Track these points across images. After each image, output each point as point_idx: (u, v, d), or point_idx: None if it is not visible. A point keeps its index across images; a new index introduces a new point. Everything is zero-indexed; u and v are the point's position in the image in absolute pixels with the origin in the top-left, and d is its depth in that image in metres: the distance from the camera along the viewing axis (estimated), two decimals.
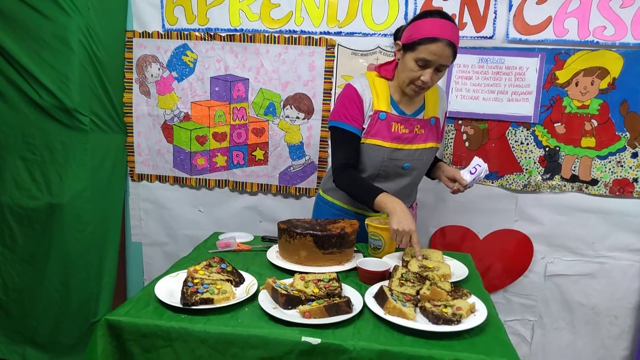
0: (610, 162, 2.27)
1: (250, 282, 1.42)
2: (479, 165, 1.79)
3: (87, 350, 1.24)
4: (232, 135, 2.47)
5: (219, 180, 2.55)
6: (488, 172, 1.80)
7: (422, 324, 1.23)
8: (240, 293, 1.36)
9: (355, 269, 1.54)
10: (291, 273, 1.51)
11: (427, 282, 1.40)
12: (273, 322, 1.24)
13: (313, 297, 1.32)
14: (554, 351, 2.47)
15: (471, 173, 1.80)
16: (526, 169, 2.33)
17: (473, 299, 1.36)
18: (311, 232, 1.52)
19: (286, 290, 1.32)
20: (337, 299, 1.29)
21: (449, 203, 2.43)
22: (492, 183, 2.37)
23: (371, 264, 1.55)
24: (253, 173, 2.50)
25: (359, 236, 1.66)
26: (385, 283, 1.43)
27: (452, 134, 2.36)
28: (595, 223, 2.33)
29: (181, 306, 1.26)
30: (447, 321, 1.22)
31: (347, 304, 1.26)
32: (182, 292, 1.29)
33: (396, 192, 1.75)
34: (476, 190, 2.37)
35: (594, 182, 2.30)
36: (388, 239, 1.69)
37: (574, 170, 2.30)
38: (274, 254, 1.64)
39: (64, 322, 2.45)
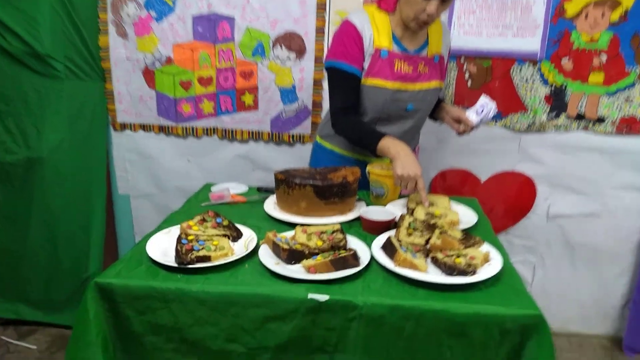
0: (618, 99, 2.17)
1: (249, 237, 1.33)
2: (486, 104, 1.67)
3: (78, 315, 1.16)
4: (218, 79, 2.31)
5: (206, 128, 2.41)
6: (494, 108, 1.68)
7: (435, 275, 1.15)
8: (239, 249, 1.27)
9: (359, 218, 1.45)
10: (291, 225, 1.41)
11: (437, 231, 1.32)
12: (276, 278, 1.15)
13: (317, 251, 1.23)
14: (555, 291, 2.46)
15: (478, 113, 1.69)
16: (531, 108, 2.22)
17: (486, 247, 1.28)
18: (311, 182, 1.42)
19: (288, 244, 1.23)
20: (343, 251, 1.20)
21: (449, 146, 2.33)
22: (495, 123, 2.26)
23: (375, 213, 1.46)
24: (243, 119, 2.36)
25: (360, 184, 1.56)
26: (392, 233, 1.35)
27: (454, 72, 2.22)
28: (600, 162, 2.26)
29: (176, 265, 1.17)
30: (462, 272, 1.14)
31: (354, 257, 1.18)
32: (177, 251, 1.20)
33: (399, 135, 1.64)
34: (478, 132, 2.25)
35: (600, 120, 2.20)
36: (391, 186, 1.60)
37: (581, 109, 2.20)
38: (271, 206, 1.55)
39: (54, 280, 2.37)
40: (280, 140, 2.39)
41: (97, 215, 2.43)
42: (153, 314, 1.14)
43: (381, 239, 1.32)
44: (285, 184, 1.45)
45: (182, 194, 2.54)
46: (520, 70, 2.19)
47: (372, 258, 1.23)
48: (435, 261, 1.20)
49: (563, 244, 2.40)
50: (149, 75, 2.34)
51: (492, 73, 2.21)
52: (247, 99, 2.33)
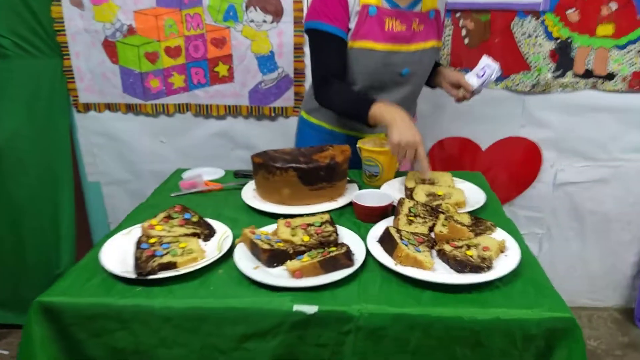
0: (629, 52, 1.96)
1: (222, 234, 1.13)
2: (488, 65, 1.47)
3: (22, 340, 0.97)
4: (187, 49, 2.07)
5: (178, 104, 2.18)
6: (497, 69, 1.47)
7: (443, 273, 0.97)
8: (212, 250, 1.08)
9: (351, 204, 1.26)
10: (273, 217, 1.22)
11: (441, 216, 1.14)
12: (255, 287, 0.97)
13: (303, 248, 1.04)
14: (563, 262, 2.31)
15: (478, 76, 1.48)
16: (535, 67, 2.01)
17: (500, 234, 1.10)
18: (294, 165, 1.22)
19: (269, 243, 1.04)
20: (334, 248, 1.02)
21: (446, 112, 2.12)
22: (497, 85, 2.05)
23: (369, 197, 1.27)
24: (218, 93, 2.14)
25: (351, 162, 1.36)
26: (390, 221, 1.16)
27: (450, 29, 2.00)
28: (609, 123, 2.07)
29: (135, 277, 0.97)
30: (475, 268, 0.96)
31: (347, 256, 0.99)
32: (135, 258, 1.00)
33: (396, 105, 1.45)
34: (477, 95, 2.06)
35: (610, 76, 2.00)
36: (386, 164, 1.41)
37: (589, 65, 2.00)
38: (250, 194, 1.35)
39: (23, 278, 2.19)
40: (261, 115, 2.17)
41: (65, 205, 2.22)
42: (110, 336, 0.95)
43: (378, 228, 1.13)
44: (264, 168, 1.24)
45: (157, 178, 2.29)
46: (522, 24, 1.97)
47: (368, 254, 1.05)
48: (442, 255, 1.02)
49: (571, 212, 2.23)
50: (110, 48, 2.10)
51: (490, 28, 1.99)
52: (221, 69, 2.10)
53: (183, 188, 1.43)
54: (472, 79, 1.50)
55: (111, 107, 2.21)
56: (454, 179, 1.42)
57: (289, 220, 1.12)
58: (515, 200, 2.24)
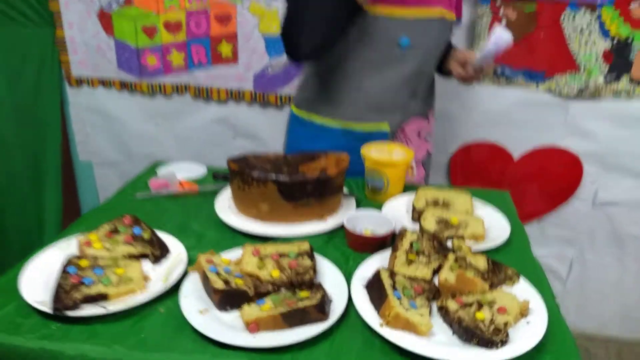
0: None
1: (176, 258, 0.92)
2: (499, 36, 1.19)
3: None
4: (188, 24, 1.85)
5: (177, 84, 1.97)
6: (509, 42, 1.19)
7: (441, 346, 0.74)
8: (158, 279, 0.87)
9: (343, 227, 1.03)
10: (247, 236, 1.01)
11: (451, 257, 0.90)
12: (199, 338, 0.76)
13: (270, 287, 0.83)
14: (595, 289, 2.04)
15: (487, 49, 1.22)
16: (585, 68, 1.72)
17: (524, 288, 0.86)
18: (274, 177, 0.99)
19: (225, 280, 0.82)
20: (305, 293, 0.80)
21: (476, 114, 1.86)
22: (537, 86, 1.77)
23: (367, 219, 1.04)
24: (220, 75, 1.92)
25: (352, 167, 1.12)
26: (386, 256, 0.93)
27: (487, 19, 1.72)
28: None
29: (52, 312, 0.77)
30: (485, 341, 0.72)
31: (320, 308, 0.77)
32: (57, 286, 0.80)
33: (398, 88, 1.22)
34: (513, 97, 1.80)
35: None
36: (393, 178, 1.17)
37: None
38: (225, 203, 1.13)
39: (3, 263, 2.04)
40: (266, 102, 1.95)
41: (51, 188, 2.07)
42: None
43: (368, 266, 0.90)
44: (240, 177, 1.02)
45: (149, 161, 2.14)
46: (574, 17, 1.67)
47: (350, 302, 0.82)
48: (444, 313, 0.79)
49: (610, 235, 1.95)
50: (105, 20, 1.90)
51: (536, 21, 1.70)
52: (225, 49, 1.87)
53: (152, 188, 1.23)
54: (478, 52, 1.24)
55: (105, 83, 2.02)
56: (474, 200, 1.17)
57: (258, 247, 0.90)
58: (547, 217, 1.97)
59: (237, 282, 0.82)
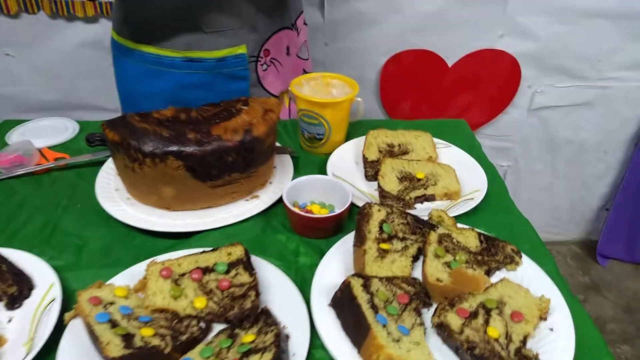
0: None
1: (45, 295, 0.62)
2: None
3: None
4: None
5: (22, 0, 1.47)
6: None
7: None
8: (18, 334, 0.57)
9: (282, 201, 0.76)
10: (151, 233, 0.72)
11: (433, 238, 0.68)
12: None
13: (195, 329, 0.56)
14: (527, 196, 1.99)
15: None
16: None
17: (529, 273, 0.66)
18: (176, 149, 0.68)
19: (124, 331, 0.54)
20: (250, 337, 0.55)
21: (405, 17, 1.58)
22: None
23: (312, 187, 0.78)
24: None
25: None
26: (348, 243, 0.69)
27: None
28: (607, 34, 1.62)
29: None
30: None
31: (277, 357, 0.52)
32: None
33: None
34: None
35: None
36: (335, 120, 0.90)
37: None
38: (112, 184, 0.81)
39: None
40: None
41: None
42: None
43: (328, 268, 0.66)
44: (125, 152, 0.70)
45: (10, 104, 1.68)
46: None
47: (313, 333, 0.58)
48: (446, 334, 0.57)
49: (544, 142, 1.87)
50: None
51: None
52: None
53: (1, 167, 0.86)
54: None
55: None
56: (424, 133, 0.94)
57: (167, 265, 0.62)
58: (482, 129, 1.83)
59: (144, 334, 0.54)
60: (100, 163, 0.86)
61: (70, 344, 0.55)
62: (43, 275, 0.63)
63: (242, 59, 0.94)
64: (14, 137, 0.95)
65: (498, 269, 0.67)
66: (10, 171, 0.85)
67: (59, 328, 0.57)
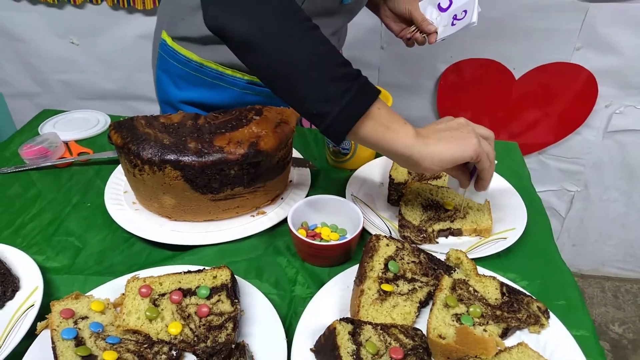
0: None
1: (23, 300, 0.60)
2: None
3: None
4: None
5: None
6: (479, 11, 0.84)
7: None
8: None
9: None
10: (151, 243, 0.69)
11: (446, 283, 0.59)
12: None
13: (166, 351, 0.52)
14: (596, 225, 1.80)
15: (442, 9, 0.87)
16: None
17: (557, 339, 0.56)
18: (174, 157, 0.64)
19: (87, 348, 0.51)
20: None
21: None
22: None
23: (324, 208, 0.71)
24: None
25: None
26: (351, 277, 0.62)
27: None
28: None
29: None
30: None
31: None
32: None
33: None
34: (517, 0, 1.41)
35: None
36: None
37: None
38: (122, 185, 0.79)
39: None
40: None
41: None
42: None
43: (320, 306, 0.59)
44: (125, 157, 0.67)
45: (71, 91, 1.75)
46: None
47: None
48: None
49: (620, 168, 1.67)
50: None
51: None
52: None
53: (25, 157, 0.87)
54: (432, 11, 0.87)
55: None
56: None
57: (148, 283, 0.58)
58: (549, 148, 1.67)
59: (106, 359, 0.51)
60: (119, 162, 0.84)
61: (35, 356, 0.53)
62: (30, 278, 0.62)
63: None
64: (46, 128, 0.96)
65: (519, 328, 0.57)
66: (34, 162, 0.86)
67: (33, 336, 0.55)
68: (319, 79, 0.55)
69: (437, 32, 0.86)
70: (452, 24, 0.84)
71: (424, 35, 0.87)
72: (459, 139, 0.60)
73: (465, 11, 0.82)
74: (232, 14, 0.56)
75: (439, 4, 0.85)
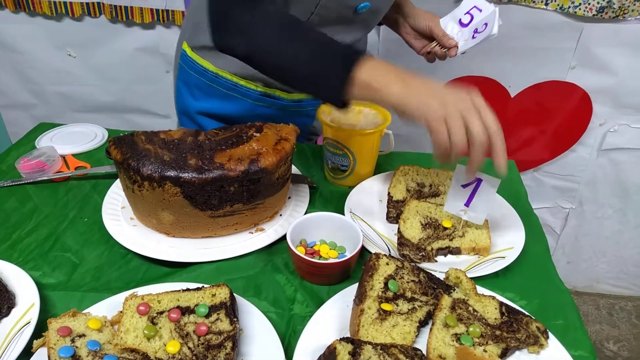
0: None
1: (19, 317, 0.59)
2: (477, 8, 0.85)
3: None
4: None
5: (86, 3, 1.52)
6: (499, 23, 0.85)
7: None
8: None
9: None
10: (147, 259, 0.68)
11: (445, 303, 0.59)
12: None
13: None
14: (590, 242, 1.81)
15: (462, 24, 0.87)
16: None
17: (557, 355, 0.56)
18: (174, 174, 0.64)
19: None
20: None
21: None
22: (546, 5, 1.39)
23: (323, 226, 0.71)
24: None
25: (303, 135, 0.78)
26: (350, 296, 0.62)
27: None
28: None
29: None
30: None
31: None
32: None
33: None
34: (514, 19, 1.42)
35: None
36: (361, 152, 0.83)
37: None
38: (120, 200, 0.78)
39: None
40: None
41: None
42: None
43: (319, 326, 0.59)
44: (124, 173, 0.67)
45: (68, 103, 1.75)
46: None
47: None
48: None
49: (614, 186, 1.68)
50: None
51: None
52: None
53: (23, 172, 0.86)
54: (452, 26, 0.88)
55: None
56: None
57: (146, 301, 0.57)
58: (544, 166, 1.68)
59: None
60: (117, 176, 0.84)
61: None
62: (26, 294, 0.61)
63: (317, 101, 0.92)
64: (44, 141, 0.95)
65: (518, 348, 0.57)
66: (30, 176, 0.85)
67: (29, 354, 0.55)
68: (312, 72, 0.65)
69: (457, 47, 0.87)
70: (473, 37, 0.85)
71: (445, 49, 0.88)
72: (432, 97, 0.61)
73: (486, 24, 0.83)
74: (231, 38, 0.68)
75: (460, 20, 0.86)
